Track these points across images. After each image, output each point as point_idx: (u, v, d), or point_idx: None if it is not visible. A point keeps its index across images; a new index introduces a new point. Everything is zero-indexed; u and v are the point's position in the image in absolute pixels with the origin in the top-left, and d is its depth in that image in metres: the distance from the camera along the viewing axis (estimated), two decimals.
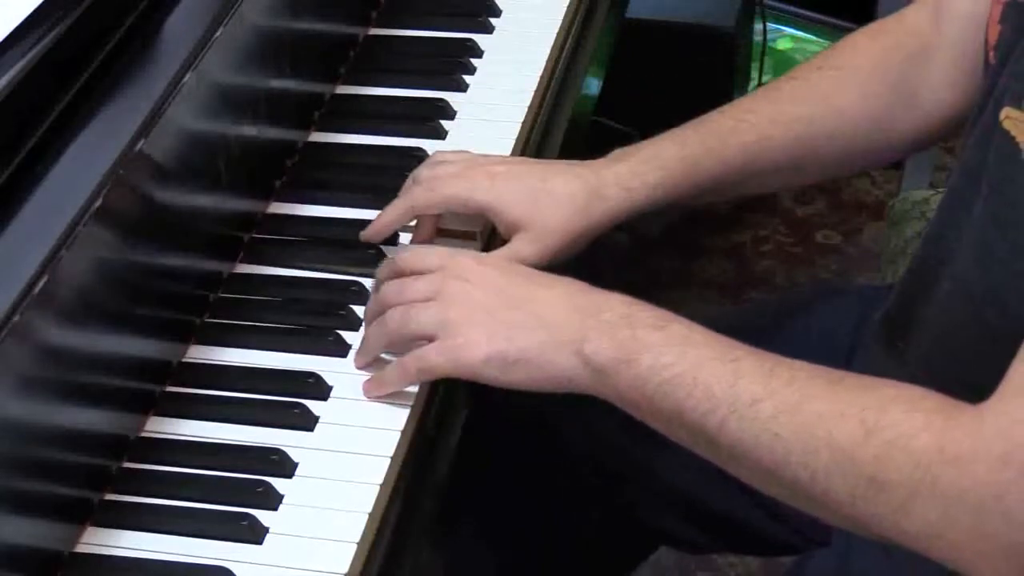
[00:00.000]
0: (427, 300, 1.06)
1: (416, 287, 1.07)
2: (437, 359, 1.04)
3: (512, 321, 1.03)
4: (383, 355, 1.10)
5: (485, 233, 1.21)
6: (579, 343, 1.01)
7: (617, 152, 1.21)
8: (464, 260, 1.09)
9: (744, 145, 1.21)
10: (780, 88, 1.25)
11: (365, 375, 1.09)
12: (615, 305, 1.03)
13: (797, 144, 1.23)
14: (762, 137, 1.22)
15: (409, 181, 1.21)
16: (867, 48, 1.25)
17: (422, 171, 1.21)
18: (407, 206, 1.19)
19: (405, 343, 1.07)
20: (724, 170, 1.21)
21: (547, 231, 1.16)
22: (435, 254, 1.11)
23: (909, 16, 1.26)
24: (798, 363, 0.97)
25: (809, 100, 1.23)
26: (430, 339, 1.05)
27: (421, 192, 1.18)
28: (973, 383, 0.92)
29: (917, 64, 1.24)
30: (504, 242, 1.18)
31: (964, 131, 1.15)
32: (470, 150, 1.24)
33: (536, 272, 1.08)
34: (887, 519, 0.91)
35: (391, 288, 1.09)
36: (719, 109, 1.24)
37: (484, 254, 1.11)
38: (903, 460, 0.89)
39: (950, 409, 0.91)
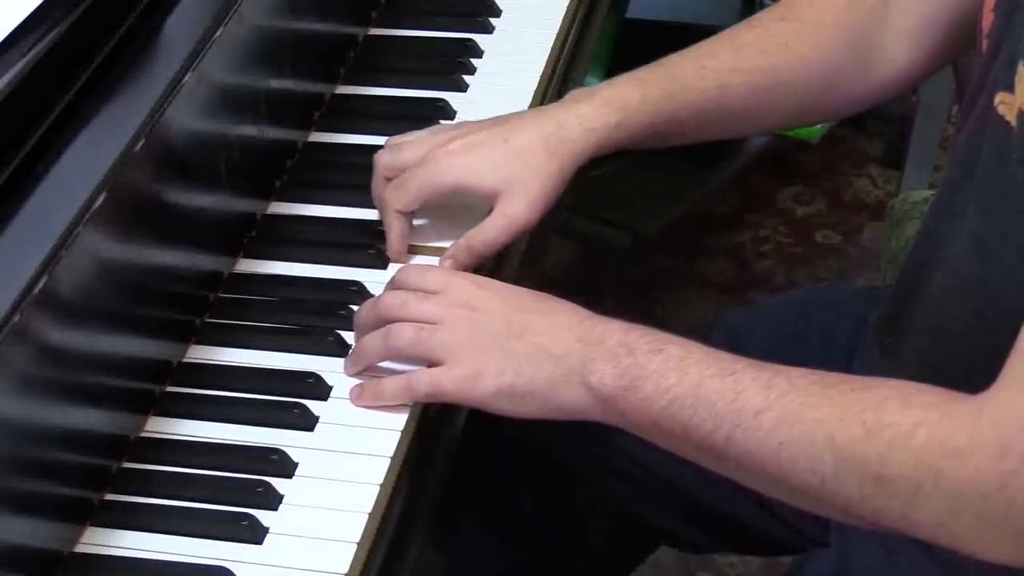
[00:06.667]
0: (431, 323, 1.06)
1: (421, 307, 1.07)
2: (448, 386, 1.05)
3: (519, 352, 1.04)
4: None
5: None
6: (584, 374, 1.02)
7: (575, 93, 1.22)
8: (465, 284, 1.09)
9: (704, 91, 1.22)
10: (742, 36, 1.26)
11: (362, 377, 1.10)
12: (615, 332, 1.03)
13: (756, 93, 1.23)
14: (723, 84, 1.22)
15: (376, 178, 1.22)
16: (829, 0, 1.26)
17: (383, 158, 1.22)
18: (394, 212, 1.19)
19: (406, 360, 1.08)
20: (683, 115, 1.22)
21: (528, 187, 1.17)
22: (435, 274, 1.11)
23: None
24: (795, 370, 0.98)
25: (770, 50, 1.24)
26: (435, 363, 1.06)
27: (393, 194, 1.19)
28: (969, 376, 0.93)
29: (875, 18, 1.24)
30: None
31: (957, 123, 1.15)
32: None
33: (535, 296, 1.09)
34: (896, 514, 0.92)
35: (393, 300, 1.09)
36: (680, 52, 1.25)
37: (483, 277, 1.11)
38: (905, 457, 0.91)
39: (946, 403, 0.92)
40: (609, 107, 1.20)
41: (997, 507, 0.89)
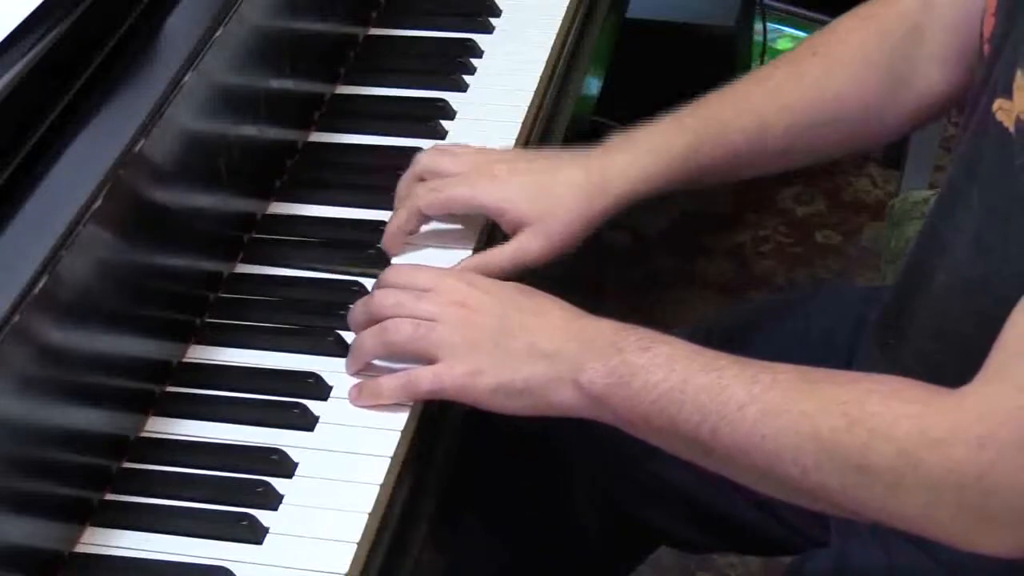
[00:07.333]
0: (428, 320, 1.06)
1: (417, 306, 1.07)
2: (448, 383, 1.05)
3: (515, 351, 1.04)
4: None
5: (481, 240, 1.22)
6: (576, 373, 1.03)
7: (616, 140, 1.21)
8: (457, 284, 1.09)
9: (741, 133, 1.22)
10: (774, 75, 1.25)
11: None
12: (605, 332, 1.04)
13: (790, 131, 1.23)
14: (759, 125, 1.22)
15: (409, 176, 1.21)
16: (858, 33, 1.25)
17: (424, 159, 1.21)
18: (415, 209, 1.19)
19: (402, 358, 1.08)
20: (722, 157, 1.21)
21: (553, 226, 1.17)
22: (426, 273, 1.11)
23: None
24: (780, 366, 0.99)
25: (802, 88, 1.24)
26: (432, 360, 1.06)
27: (426, 193, 1.18)
28: (968, 377, 0.93)
29: (908, 46, 1.24)
30: (504, 236, 1.19)
31: (960, 124, 1.15)
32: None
33: (527, 293, 1.09)
34: (878, 504, 0.94)
35: (386, 299, 1.09)
36: (716, 94, 1.24)
37: (473, 275, 1.11)
38: (886, 447, 0.92)
39: (928, 395, 0.93)
40: (651, 157, 1.19)
41: (975, 497, 0.90)
